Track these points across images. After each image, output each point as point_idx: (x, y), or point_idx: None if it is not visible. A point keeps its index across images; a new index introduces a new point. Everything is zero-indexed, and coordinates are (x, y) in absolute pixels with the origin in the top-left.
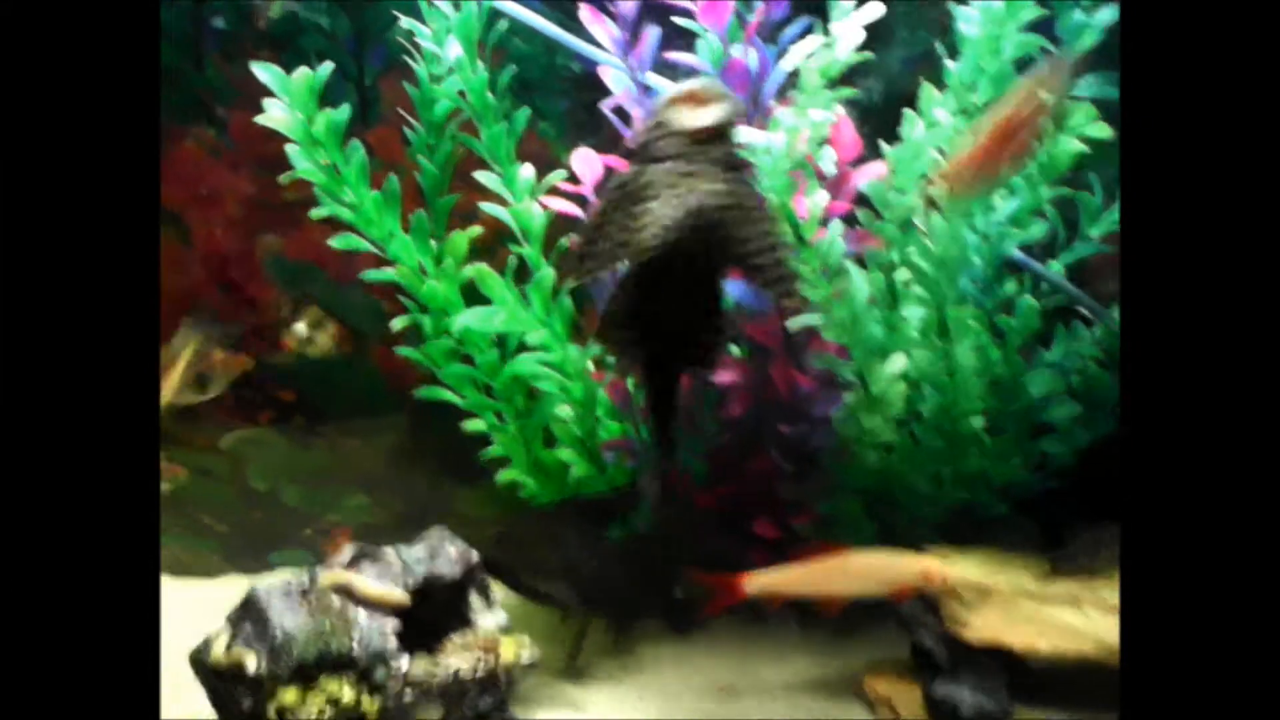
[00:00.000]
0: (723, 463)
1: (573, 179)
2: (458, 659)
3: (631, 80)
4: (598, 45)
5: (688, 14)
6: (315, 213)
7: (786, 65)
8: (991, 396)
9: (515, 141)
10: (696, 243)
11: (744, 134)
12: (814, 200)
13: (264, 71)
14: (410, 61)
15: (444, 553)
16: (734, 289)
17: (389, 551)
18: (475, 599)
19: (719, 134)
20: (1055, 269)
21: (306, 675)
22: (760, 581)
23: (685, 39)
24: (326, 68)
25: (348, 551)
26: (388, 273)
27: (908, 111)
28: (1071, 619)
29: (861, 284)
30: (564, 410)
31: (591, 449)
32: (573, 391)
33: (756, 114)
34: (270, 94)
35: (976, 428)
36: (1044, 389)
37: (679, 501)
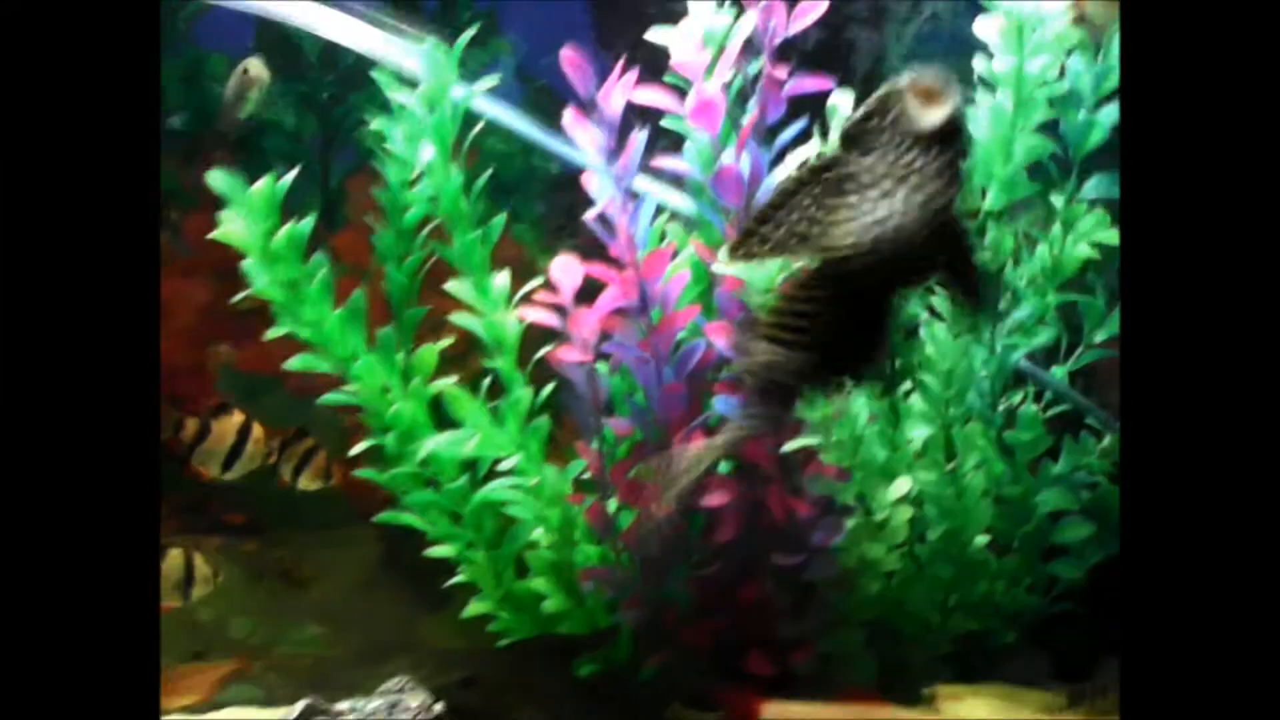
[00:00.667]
0: (712, 593)
1: (551, 287)
2: None
3: (616, 188)
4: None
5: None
6: (271, 333)
7: (781, 173)
8: (1000, 517)
9: (490, 249)
10: (888, 259)
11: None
12: None
13: (221, 180)
14: (379, 164)
15: (404, 707)
16: (719, 403)
17: (343, 707)
18: None
19: (945, 134)
20: (1059, 376)
21: None
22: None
23: (674, 139)
24: (288, 178)
25: (297, 707)
26: (349, 396)
27: None
28: None
29: (862, 401)
30: (539, 537)
31: (569, 579)
32: (549, 518)
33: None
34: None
35: (985, 552)
36: (1054, 507)
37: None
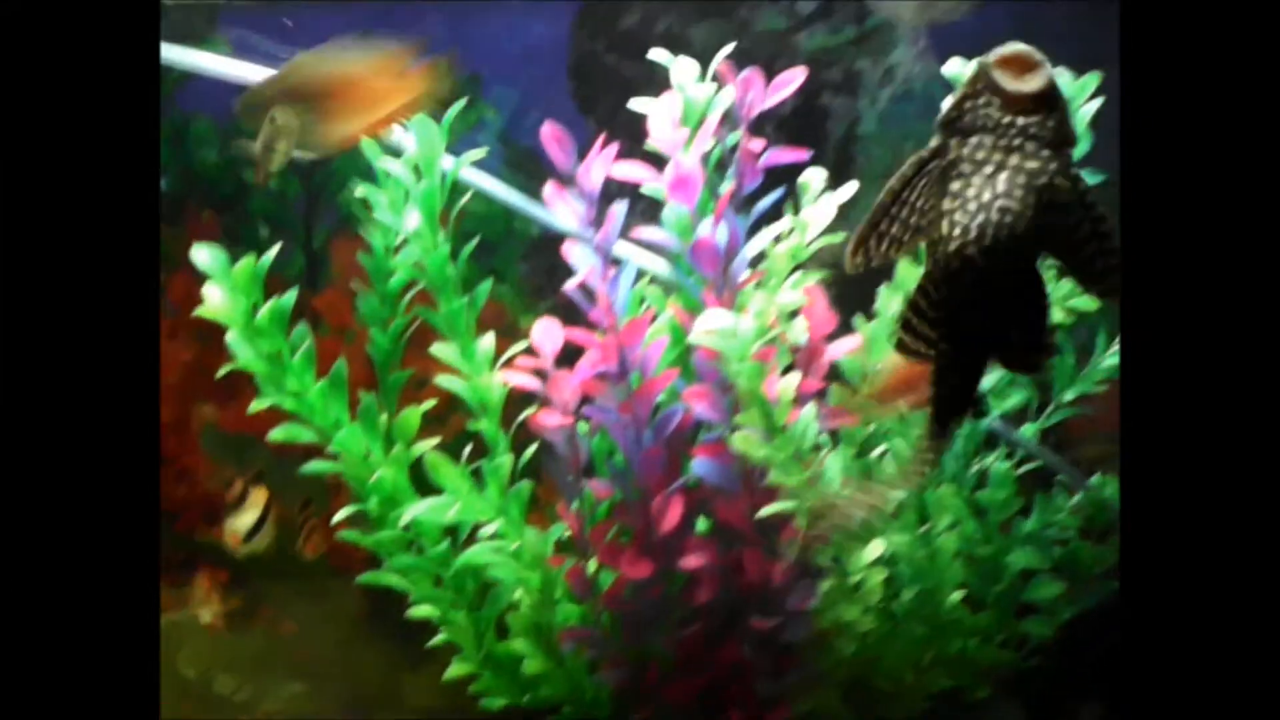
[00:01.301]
0: (692, 652)
1: (532, 351)
2: None
3: (596, 258)
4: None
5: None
6: (255, 405)
7: (754, 248)
8: (973, 576)
9: (476, 314)
10: (1008, 239)
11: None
12: (786, 383)
13: (205, 256)
14: (363, 229)
15: None
16: (698, 466)
17: None
18: None
19: (1042, 103)
20: (1030, 434)
21: None
22: None
23: (654, 203)
24: (270, 255)
25: None
26: (331, 464)
27: (883, 288)
28: None
29: (836, 467)
30: (520, 598)
31: (549, 640)
32: (530, 580)
33: (725, 290)
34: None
35: (960, 610)
36: (1025, 565)
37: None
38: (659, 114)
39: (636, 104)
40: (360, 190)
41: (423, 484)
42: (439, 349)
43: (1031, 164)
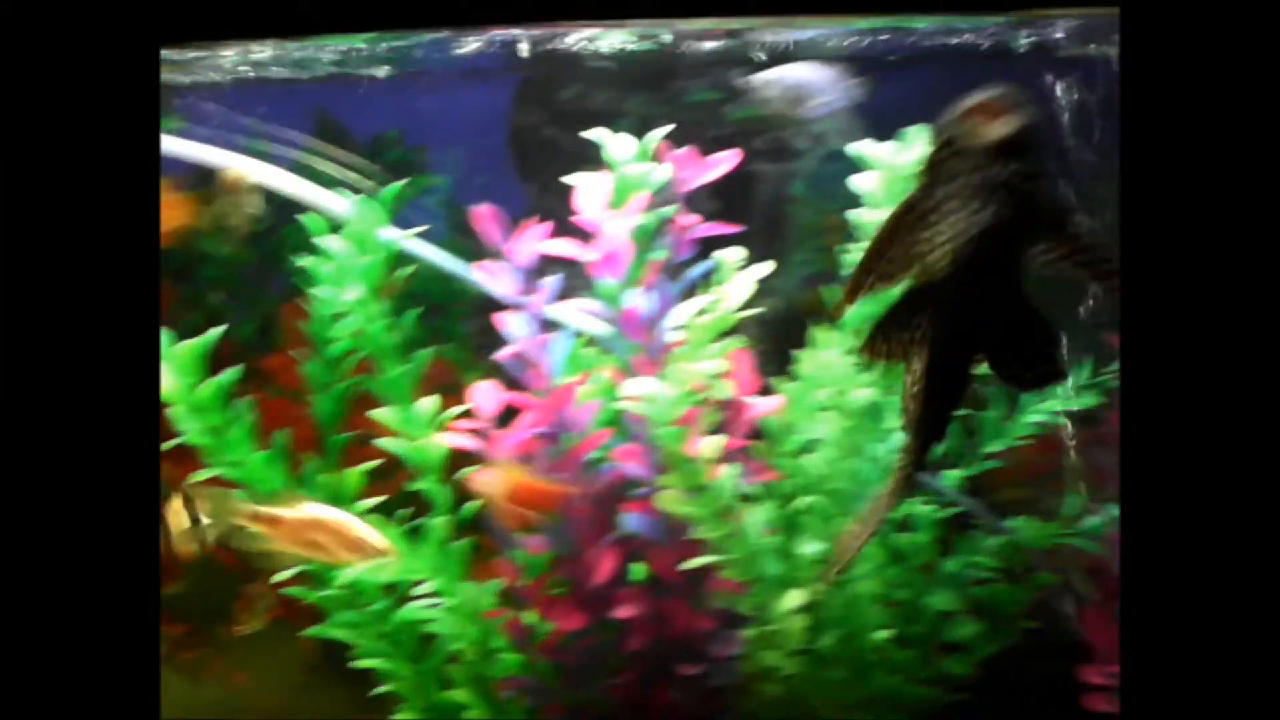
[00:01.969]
0: (627, 699)
1: (472, 413)
2: None
3: (531, 327)
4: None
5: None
6: (199, 475)
7: (678, 318)
8: (893, 618)
9: (415, 379)
10: (993, 257)
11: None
12: (708, 442)
13: None
14: (306, 298)
15: None
16: (628, 520)
17: None
18: None
19: (1014, 147)
20: (951, 481)
21: None
22: None
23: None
24: (213, 335)
25: None
26: None
27: (799, 352)
28: None
29: (758, 521)
30: (460, 649)
31: (489, 690)
32: (467, 634)
33: (654, 357)
34: None
35: (879, 653)
36: (944, 606)
37: None
38: (587, 191)
39: (571, 179)
40: (302, 262)
41: None
42: (380, 414)
43: (1010, 200)
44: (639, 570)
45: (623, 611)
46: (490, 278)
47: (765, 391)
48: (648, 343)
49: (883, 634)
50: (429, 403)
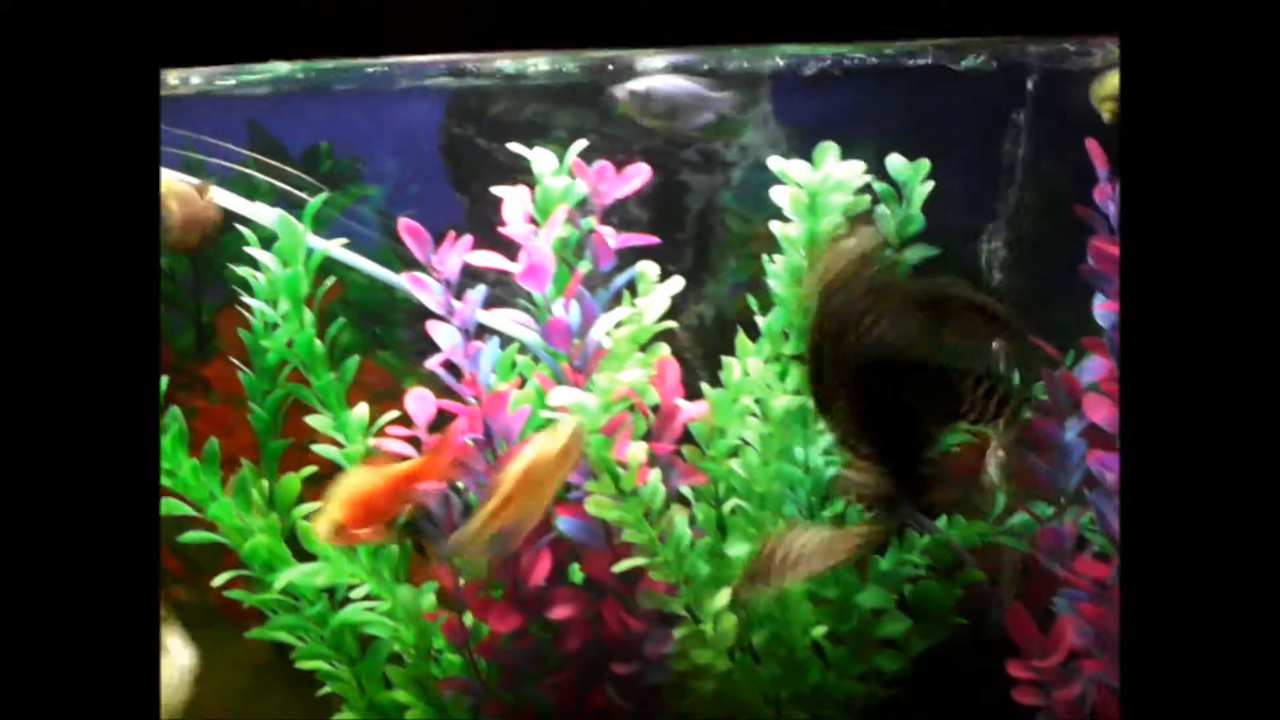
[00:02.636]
0: (565, 698)
1: (406, 420)
2: None
3: (459, 336)
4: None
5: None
6: None
7: (602, 328)
8: (824, 616)
9: (345, 387)
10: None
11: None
12: (635, 449)
13: None
14: (243, 307)
15: None
16: (561, 524)
17: None
18: None
19: (864, 264)
20: None
21: None
22: None
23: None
24: None
25: None
26: (206, 535)
27: (725, 359)
28: None
29: (685, 524)
30: (400, 650)
31: (429, 690)
32: (405, 637)
33: (581, 366)
34: None
35: (811, 651)
36: (874, 604)
37: None
38: (511, 204)
39: (499, 191)
40: (238, 271)
41: (301, 547)
42: (314, 420)
43: (891, 323)
44: (577, 573)
45: (558, 612)
46: (419, 288)
47: (693, 397)
48: (574, 352)
49: (821, 629)
50: (362, 410)
